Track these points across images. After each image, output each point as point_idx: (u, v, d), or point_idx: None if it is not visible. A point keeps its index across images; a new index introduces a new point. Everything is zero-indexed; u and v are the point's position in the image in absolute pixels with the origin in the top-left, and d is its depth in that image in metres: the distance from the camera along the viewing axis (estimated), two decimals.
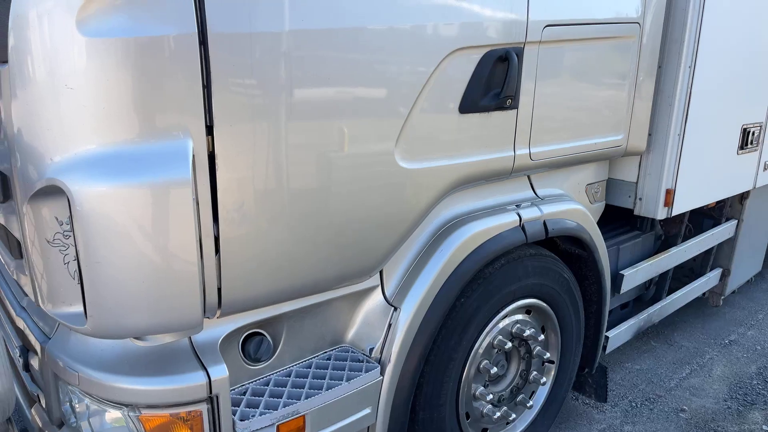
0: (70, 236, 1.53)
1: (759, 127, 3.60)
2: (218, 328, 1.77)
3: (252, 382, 1.90)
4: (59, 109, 1.39)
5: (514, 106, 2.15)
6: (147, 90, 1.40)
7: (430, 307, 2.08)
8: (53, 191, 1.47)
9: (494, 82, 2.05)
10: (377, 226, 1.89)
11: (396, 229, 1.95)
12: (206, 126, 1.48)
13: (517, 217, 2.31)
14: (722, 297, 4.28)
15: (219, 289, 1.62)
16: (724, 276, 4.19)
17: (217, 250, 1.59)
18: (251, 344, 1.89)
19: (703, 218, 4.02)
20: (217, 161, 1.52)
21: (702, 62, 2.84)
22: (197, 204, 1.50)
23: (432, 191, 2.00)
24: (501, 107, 2.10)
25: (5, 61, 1.48)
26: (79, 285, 1.58)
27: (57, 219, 1.53)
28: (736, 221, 4.04)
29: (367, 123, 1.76)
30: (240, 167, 1.56)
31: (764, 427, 3.08)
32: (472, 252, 2.15)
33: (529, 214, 2.35)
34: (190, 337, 1.72)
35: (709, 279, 4.07)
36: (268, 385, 1.89)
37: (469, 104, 2.00)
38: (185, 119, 1.44)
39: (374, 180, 1.82)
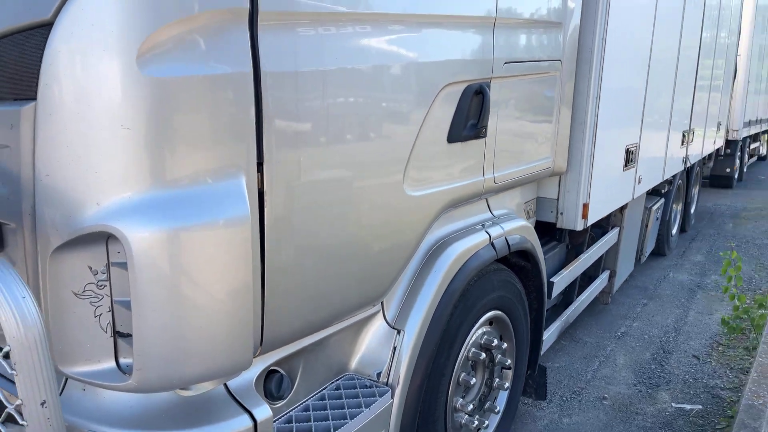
0: (105, 286, 1.42)
1: (636, 147, 4.23)
2: (251, 369, 1.72)
3: (275, 421, 1.85)
4: (111, 151, 1.30)
5: (485, 134, 2.36)
6: (206, 128, 1.37)
7: (430, 326, 2.18)
8: (86, 240, 1.36)
9: (471, 113, 2.24)
10: (391, 251, 1.97)
11: (404, 253, 2.04)
12: (257, 163, 1.47)
13: (487, 236, 2.51)
14: (610, 295, 4.89)
15: (261, 327, 1.59)
16: (611, 277, 4.80)
17: (262, 287, 1.56)
18: (272, 382, 1.84)
19: (591, 228, 4.59)
20: (265, 197, 1.51)
21: (604, 93, 3.31)
22: None
23: (430, 216, 2.13)
24: (477, 136, 2.30)
25: (26, 98, 1.35)
26: (112, 338, 1.47)
27: (91, 269, 1.41)
28: (619, 228, 4.67)
29: (386, 155, 1.85)
30: (284, 202, 1.56)
31: (673, 404, 3.59)
32: (459, 270, 2.30)
33: (495, 232, 2.57)
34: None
35: (602, 280, 4.63)
36: (292, 422, 1.86)
37: (454, 134, 2.17)
38: (239, 156, 1.43)
39: (392, 208, 1.90)
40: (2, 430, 1.71)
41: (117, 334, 1.46)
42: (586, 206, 3.41)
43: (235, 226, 1.40)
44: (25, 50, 1.33)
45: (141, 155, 1.31)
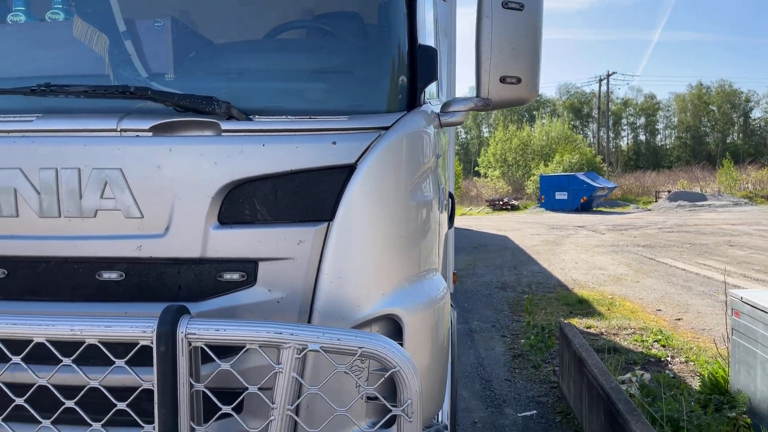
0: (366, 360, 1.86)
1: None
2: None
3: None
4: (392, 254, 1.81)
5: (453, 224, 3.28)
6: (434, 232, 1.99)
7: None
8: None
9: (450, 212, 3.15)
10: None
11: None
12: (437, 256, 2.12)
13: None
14: None
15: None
16: None
17: None
18: None
19: None
20: None
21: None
22: None
23: None
24: (450, 226, 3.20)
25: (317, 220, 1.76)
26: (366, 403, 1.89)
27: None
28: None
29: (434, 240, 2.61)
30: None
31: (518, 415, 4.84)
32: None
33: None
34: None
35: None
36: None
37: (449, 224, 3.03)
38: (438, 253, 2.07)
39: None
40: None
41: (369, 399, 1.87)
42: (454, 273, 4.53)
43: (444, 299, 2.02)
44: (327, 184, 1.75)
45: (412, 255, 1.86)
